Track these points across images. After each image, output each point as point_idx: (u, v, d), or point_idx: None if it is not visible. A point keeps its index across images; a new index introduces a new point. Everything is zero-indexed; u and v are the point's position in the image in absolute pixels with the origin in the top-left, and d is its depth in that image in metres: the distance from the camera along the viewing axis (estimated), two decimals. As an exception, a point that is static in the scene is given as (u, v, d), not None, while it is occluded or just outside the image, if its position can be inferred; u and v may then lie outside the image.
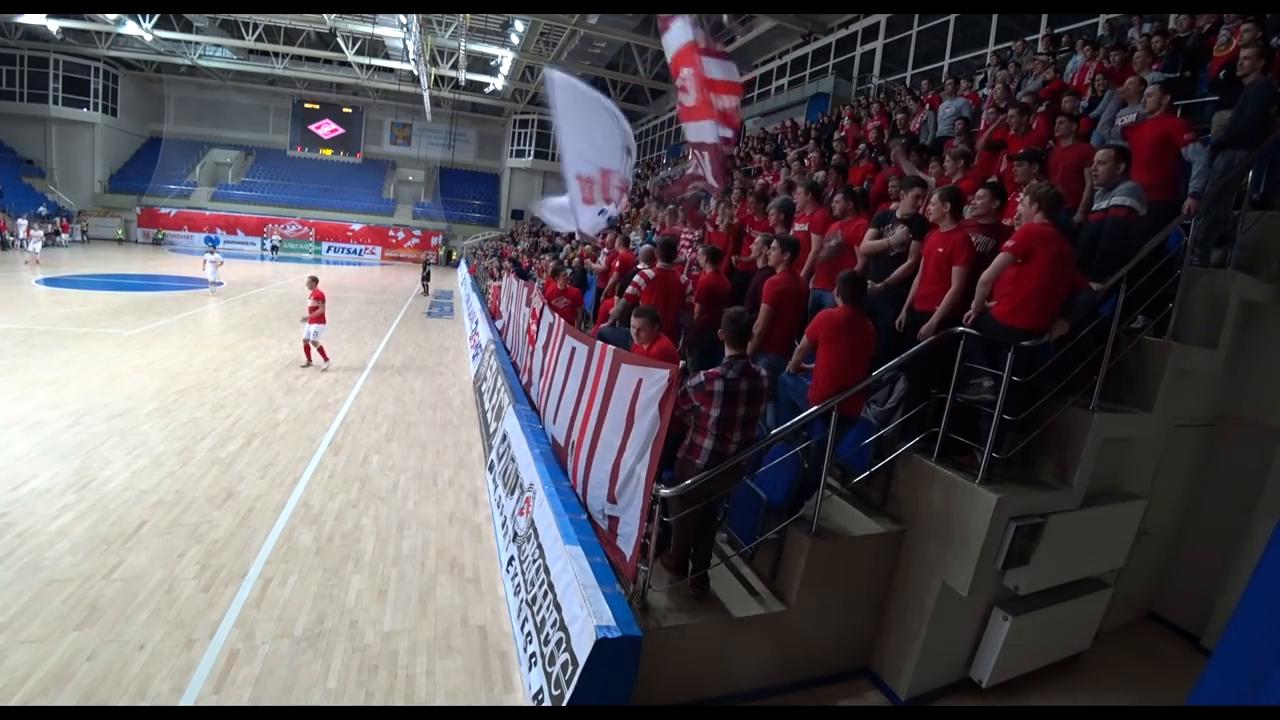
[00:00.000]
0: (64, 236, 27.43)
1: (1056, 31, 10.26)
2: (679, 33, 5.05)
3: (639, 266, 5.79)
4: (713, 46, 5.06)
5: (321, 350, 9.59)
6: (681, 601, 3.45)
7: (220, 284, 17.09)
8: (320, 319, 9.34)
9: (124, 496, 4.87)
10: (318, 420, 7.19)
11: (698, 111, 5.03)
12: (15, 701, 2.86)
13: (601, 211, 4.92)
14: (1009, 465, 3.73)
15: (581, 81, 4.94)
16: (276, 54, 29.85)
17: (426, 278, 22.51)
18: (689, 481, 3.29)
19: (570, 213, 4.89)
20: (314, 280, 9.56)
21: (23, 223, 24.23)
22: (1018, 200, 4.22)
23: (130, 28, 25.56)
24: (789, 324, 4.39)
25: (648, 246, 6.39)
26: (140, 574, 3.91)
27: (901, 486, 3.95)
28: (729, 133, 5.09)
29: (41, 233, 22.57)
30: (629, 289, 5.37)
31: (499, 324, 11.16)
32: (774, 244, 4.55)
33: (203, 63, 31.59)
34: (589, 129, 4.65)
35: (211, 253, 17.20)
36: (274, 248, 33.09)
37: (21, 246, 23.49)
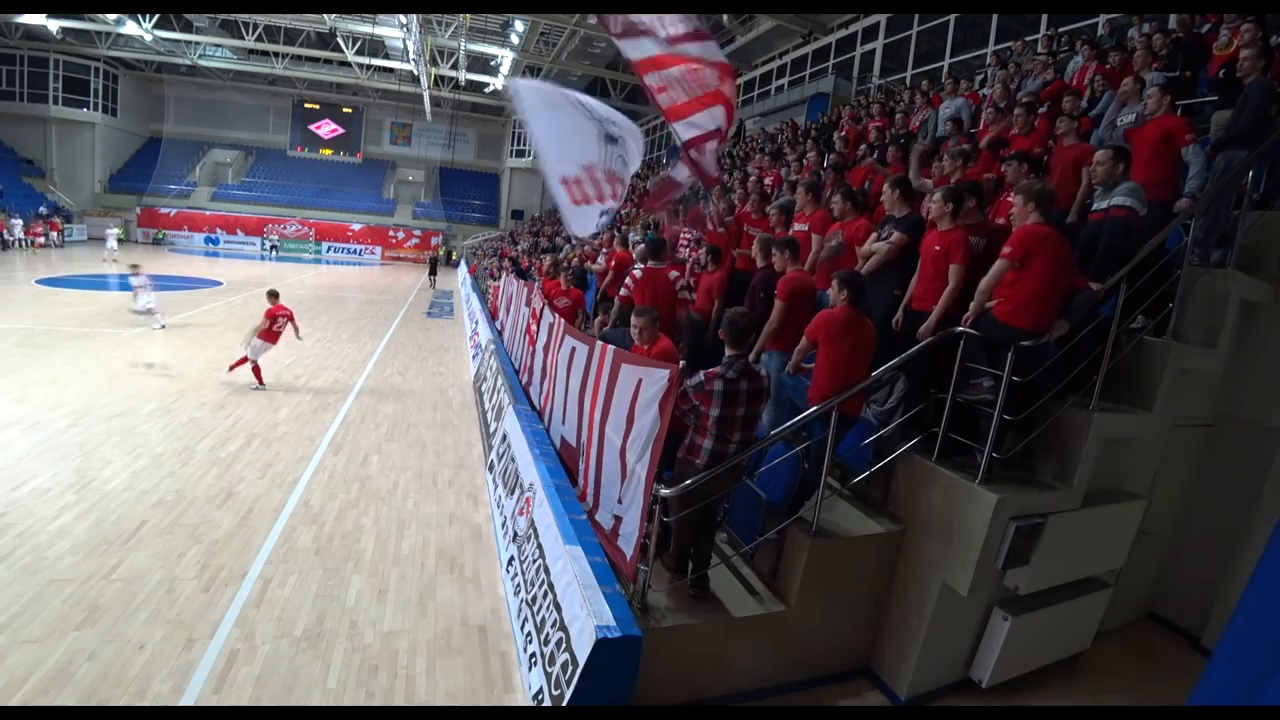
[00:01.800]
0: (54, 235, 26.36)
1: (1060, 31, 10.26)
2: (637, 48, 4.51)
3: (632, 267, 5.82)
4: (680, 31, 4.52)
5: (256, 369, 8.09)
6: (681, 601, 3.45)
7: (158, 316, 11.10)
8: (272, 337, 8.07)
9: (124, 496, 4.87)
10: (318, 420, 7.19)
11: (691, 105, 4.62)
12: (15, 701, 2.86)
13: (604, 213, 4.80)
14: (1009, 465, 3.73)
15: (545, 83, 4.82)
16: (276, 54, 29.81)
17: (433, 272, 24.92)
18: (689, 481, 3.29)
19: (583, 218, 4.82)
20: (274, 294, 8.44)
21: (18, 222, 24.05)
22: (1011, 200, 4.22)
23: (130, 28, 25.53)
24: (802, 323, 4.38)
25: (642, 247, 6.40)
26: (140, 574, 3.91)
27: (901, 486, 3.95)
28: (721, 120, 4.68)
29: (116, 229, 22.56)
30: (622, 290, 5.38)
31: (498, 324, 11.16)
32: (774, 250, 4.56)
33: (203, 63, 31.55)
34: (558, 129, 4.51)
35: (136, 272, 11.21)
36: (273, 248, 33.04)
37: (21, 246, 23.47)
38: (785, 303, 4.29)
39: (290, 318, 8.26)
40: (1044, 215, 3.48)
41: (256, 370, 8.12)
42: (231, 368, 8.24)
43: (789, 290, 4.29)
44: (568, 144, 4.52)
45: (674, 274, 5.41)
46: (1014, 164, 4.57)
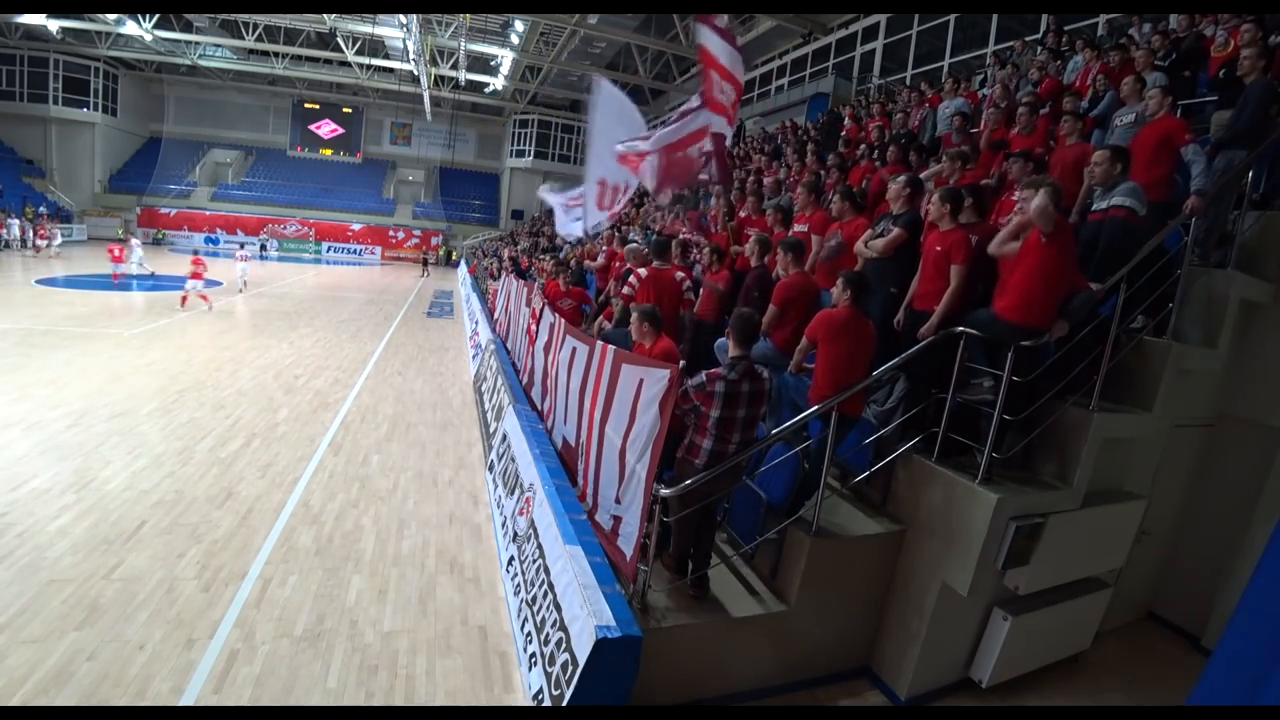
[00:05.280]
0: (39, 242, 22.65)
1: (1063, 30, 10.24)
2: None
3: (629, 265, 5.81)
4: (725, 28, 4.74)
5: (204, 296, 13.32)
6: (681, 601, 3.45)
7: None
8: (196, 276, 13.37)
9: (124, 496, 4.87)
10: (318, 420, 7.19)
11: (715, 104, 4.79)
12: (15, 701, 2.86)
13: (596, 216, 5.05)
14: (1009, 465, 3.73)
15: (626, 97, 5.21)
16: (276, 54, 29.79)
17: (424, 264, 29.01)
18: (689, 481, 3.29)
19: (572, 210, 4.99)
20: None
21: (15, 222, 23.79)
22: (1014, 198, 4.23)
23: (130, 28, 25.50)
24: (799, 325, 4.38)
25: (634, 245, 6.38)
26: (140, 574, 3.91)
27: (901, 486, 3.95)
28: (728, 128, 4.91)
29: (246, 251, 23.00)
30: (625, 290, 5.38)
31: (495, 321, 11.16)
32: (779, 248, 4.55)
33: (203, 63, 31.53)
34: (611, 137, 4.78)
35: None
36: (263, 247, 31.66)
37: (22, 246, 23.33)
38: (778, 308, 4.29)
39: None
40: (1056, 206, 3.49)
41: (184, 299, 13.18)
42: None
43: (783, 297, 4.30)
44: (605, 152, 4.87)
45: (679, 274, 5.41)
46: (1019, 162, 4.58)
